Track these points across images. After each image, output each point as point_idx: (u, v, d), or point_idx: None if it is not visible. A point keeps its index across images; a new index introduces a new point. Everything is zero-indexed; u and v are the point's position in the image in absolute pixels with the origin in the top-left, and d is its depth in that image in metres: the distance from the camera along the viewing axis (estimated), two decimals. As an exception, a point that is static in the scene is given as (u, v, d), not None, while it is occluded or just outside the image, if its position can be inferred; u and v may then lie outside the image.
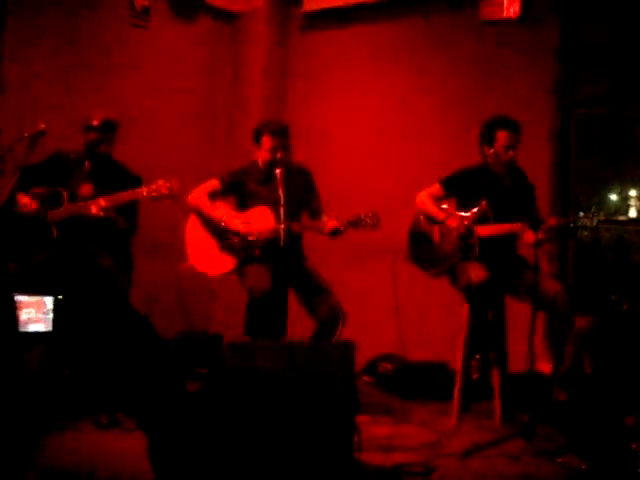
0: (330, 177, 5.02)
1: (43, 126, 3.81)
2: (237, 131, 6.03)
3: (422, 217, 4.36)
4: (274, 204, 4.18)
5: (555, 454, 3.48)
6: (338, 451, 2.97)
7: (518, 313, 4.11)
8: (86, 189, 4.23)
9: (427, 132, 5.62)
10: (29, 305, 3.88)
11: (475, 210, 4.16)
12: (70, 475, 3.18)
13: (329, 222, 4.11)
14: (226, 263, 4.34)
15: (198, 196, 4.39)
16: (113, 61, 5.45)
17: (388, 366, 5.12)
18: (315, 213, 4.39)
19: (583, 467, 3.31)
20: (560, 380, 4.03)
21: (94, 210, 4.06)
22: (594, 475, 3.26)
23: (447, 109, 5.54)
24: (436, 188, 4.34)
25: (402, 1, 5.72)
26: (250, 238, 4.23)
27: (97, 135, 4.23)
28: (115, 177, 4.29)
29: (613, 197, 5.27)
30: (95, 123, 4.21)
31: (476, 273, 4.06)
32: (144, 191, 4.08)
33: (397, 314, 5.27)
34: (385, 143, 5.80)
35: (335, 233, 4.11)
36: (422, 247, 4.37)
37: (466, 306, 4.20)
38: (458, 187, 4.32)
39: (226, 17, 6.23)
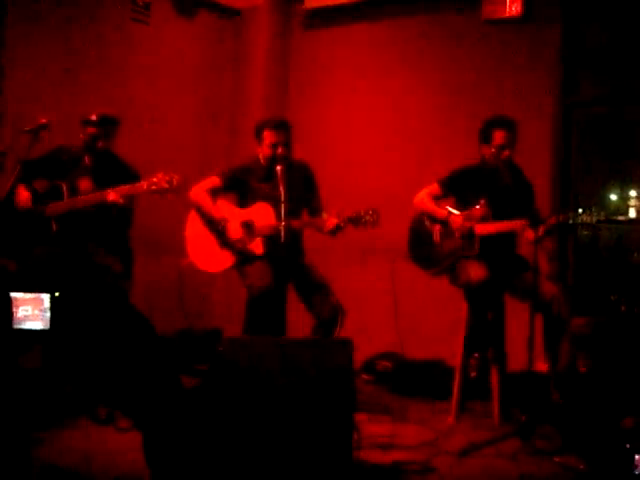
0: (330, 175, 5.01)
1: (44, 120, 3.81)
2: (238, 127, 6.03)
3: (425, 216, 4.37)
4: (275, 201, 4.17)
5: (553, 453, 3.49)
6: (336, 449, 2.96)
7: (517, 312, 4.11)
8: (85, 184, 4.24)
9: (428, 131, 5.62)
10: (26, 302, 3.84)
11: (474, 209, 4.17)
12: (69, 472, 3.18)
13: (329, 220, 4.10)
14: (225, 259, 4.34)
15: (199, 193, 4.38)
16: (114, 57, 5.45)
17: (387, 364, 5.12)
18: (315, 211, 4.39)
19: (581, 467, 3.32)
20: (556, 380, 4.04)
21: (112, 197, 4.04)
22: (592, 475, 3.26)
23: (448, 107, 5.53)
24: (435, 188, 4.35)
25: (404, -1, 5.73)
26: (247, 247, 4.22)
27: (95, 130, 4.24)
28: (114, 172, 4.29)
29: (613, 197, 5.27)
30: (93, 118, 4.24)
31: (476, 272, 4.06)
32: (144, 184, 4.06)
33: (396, 312, 5.29)
34: (386, 141, 5.80)
35: (335, 231, 4.11)
36: (422, 246, 4.38)
37: (465, 305, 4.21)
38: (457, 186, 4.33)
39: (228, 14, 6.23)
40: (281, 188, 4.13)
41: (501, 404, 4.13)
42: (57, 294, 3.89)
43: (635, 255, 5.20)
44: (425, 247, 4.37)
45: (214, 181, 4.40)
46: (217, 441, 2.93)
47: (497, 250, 4.17)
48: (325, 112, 6.08)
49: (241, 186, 4.41)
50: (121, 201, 4.05)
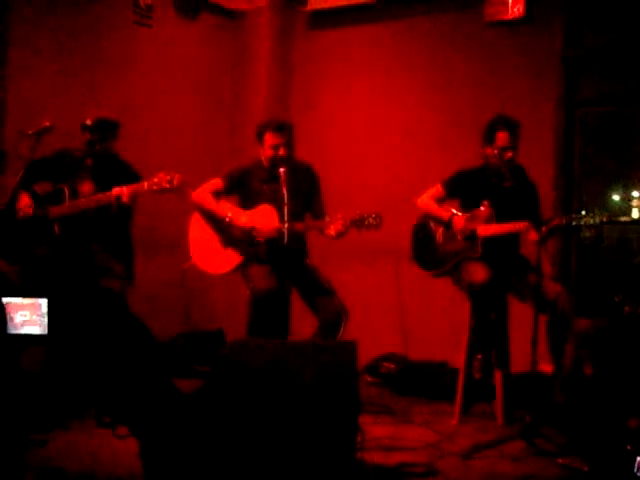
0: (332, 176, 5.01)
1: (48, 123, 3.81)
2: (240, 129, 6.02)
3: (430, 218, 4.37)
4: (278, 203, 4.17)
5: (557, 455, 3.49)
6: (340, 451, 2.97)
7: (521, 313, 4.11)
8: (86, 186, 4.24)
9: (430, 132, 5.61)
10: (24, 308, 3.83)
11: (477, 210, 4.17)
12: (70, 474, 3.18)
13: (332, 223, 4.07)
14: (230, 260, 4.33)
15: (202, 194, 4.38)
16: (117, 59, 5.45)
17: (391, 366, 5.12)
18: (317, 214, 4.37)
19: (585, 469, 3.31)
20: (561, 382, 4.03)
21: (117, 191, 4.02)
22: (595, 477, 3.26)
23: (451, 109, 5.53)
24: (438, 189, 4.35)
25: (406, 1, 5.72)
26: (255, 233, 4.23)
27: (91, 134, 4.24)
28: (115, 174, 4.29)
29: (616, 198, 5.26)
30: (88, 123, 4.23)
31: (479, 273, 4.06)
32: (145, 184, 4.06)
33: (401, 314, 5.29)
34: (388, 142, 5.80)
35: (338, 235, 4.09)
36: (425, 247, 4.38)
37: (469, 306, 4.21)
38: (460, 188, 4.33)
39: (230, 15, 6.22)
40: (284, 190, 4.11)
41: (505, 405, 4.12)
42: (54, 300, 3.87)
43: (639, 256, 5.19)
44: (428, 249, 4.37)
45: (217, 183, 4.40)
46: (219, 444, 2.93)
47: (500, 251, 4.17)
48: (327, 113, 6.07)
49: (243, 188, 4.41)
50: (125, 197, 4.04)
